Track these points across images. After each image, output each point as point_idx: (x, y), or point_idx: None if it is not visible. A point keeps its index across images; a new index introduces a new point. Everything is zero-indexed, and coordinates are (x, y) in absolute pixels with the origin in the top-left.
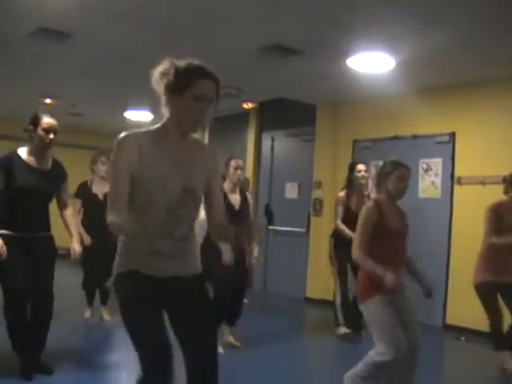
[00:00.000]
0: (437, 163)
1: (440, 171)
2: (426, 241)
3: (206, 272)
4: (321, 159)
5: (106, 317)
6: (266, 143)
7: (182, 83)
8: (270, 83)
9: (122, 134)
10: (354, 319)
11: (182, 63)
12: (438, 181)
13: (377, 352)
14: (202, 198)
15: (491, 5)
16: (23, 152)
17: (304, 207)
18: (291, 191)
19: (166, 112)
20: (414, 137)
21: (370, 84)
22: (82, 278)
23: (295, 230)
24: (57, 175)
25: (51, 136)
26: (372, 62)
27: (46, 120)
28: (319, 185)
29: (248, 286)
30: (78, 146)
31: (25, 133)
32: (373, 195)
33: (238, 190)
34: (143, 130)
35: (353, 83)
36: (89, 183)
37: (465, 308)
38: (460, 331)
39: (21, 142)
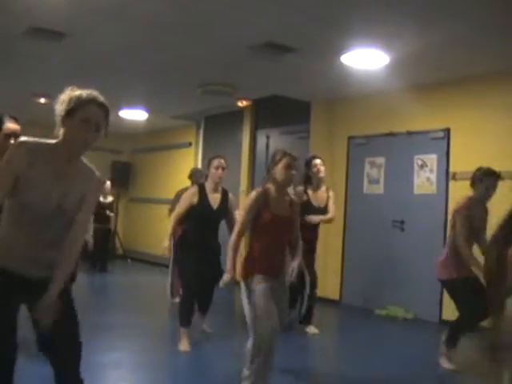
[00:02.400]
0: (432, 159)
1: (435, 167)
2: (421, 236)
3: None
4: None
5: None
6: (261, 141)
7: (73, 107)
8: (265, 81)
9: (21, 140)
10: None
11: (78, 92)
12: (433, 177)
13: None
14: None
15: (485, 2)
16: None
17: None
18: None
19: (60, 133)
20: (409, 133)
21: (365, 81)
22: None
23: None
24: None
25: (11, 141)
26: (366, 59)
27: (9, 125)
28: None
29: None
30: None
31: None
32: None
33: (220, 189)
34: (41, 141)
35: (347, 80)
36: None
37: None
38: None
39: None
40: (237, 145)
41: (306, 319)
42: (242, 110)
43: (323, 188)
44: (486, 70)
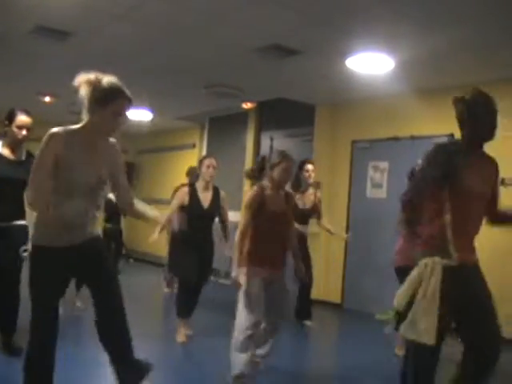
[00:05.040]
0: None
1: None
2: None
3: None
4: (319, 159)
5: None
6: (265, 143)
7: (106, 99)
8: (270, 83)
9: (54, 130)
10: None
11: (107, 80)
12: None
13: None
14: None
15: (491, 6)
16: None
17: None
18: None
19: (86, 115)
20: (413, 138)
21: (369, 84)
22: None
23: None
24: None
25: (23, 132)
26: (371, 63)
27: (21, 117)
28: (318, 185)
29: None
30: None
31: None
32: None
33: (210, 187)
34: (68, 128)
35: (352, 84)
36: None
37: None
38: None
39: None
40: (241, 147)
41: (305, 314)
42: (246, 112)
43: (310, 190)
44: (491, 76)
